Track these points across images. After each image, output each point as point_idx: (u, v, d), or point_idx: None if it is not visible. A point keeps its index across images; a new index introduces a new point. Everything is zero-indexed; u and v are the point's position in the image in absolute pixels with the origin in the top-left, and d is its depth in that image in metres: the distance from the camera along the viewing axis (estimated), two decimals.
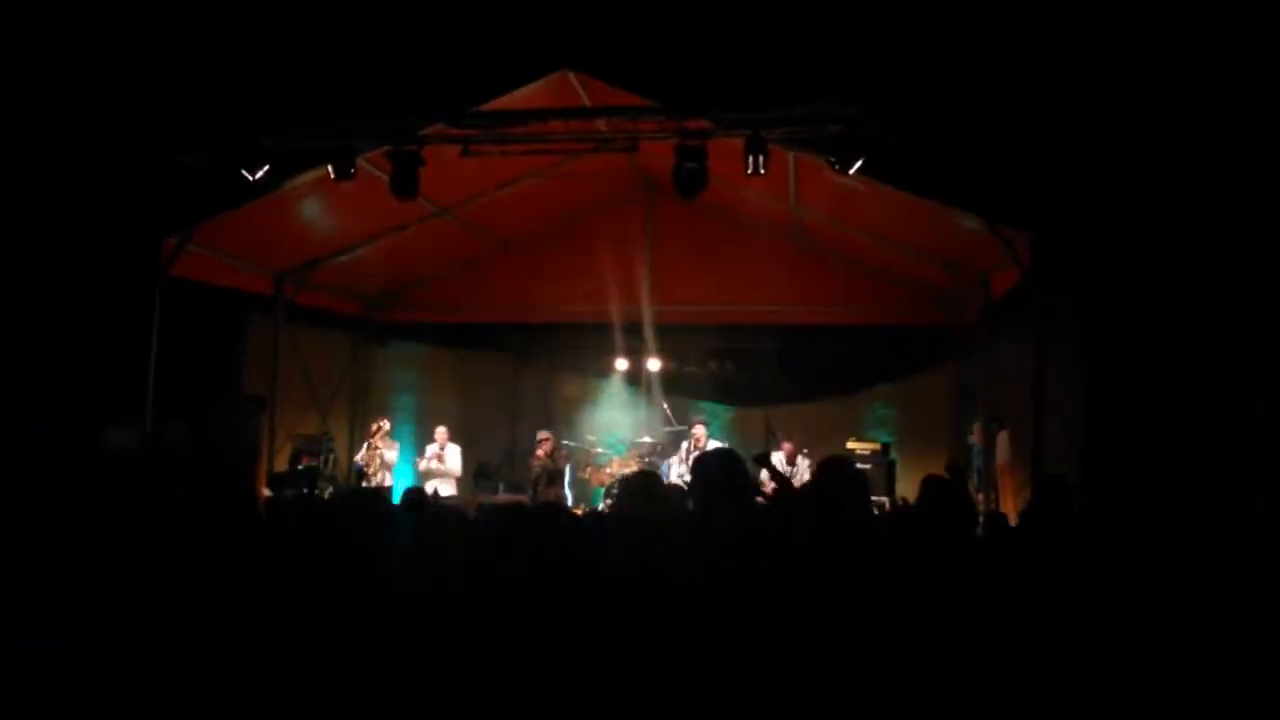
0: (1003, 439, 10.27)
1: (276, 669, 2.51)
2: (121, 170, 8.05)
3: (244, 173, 8.11)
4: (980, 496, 10.98)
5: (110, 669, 2.53)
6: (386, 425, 11.24)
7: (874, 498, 9.56)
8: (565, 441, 12.43)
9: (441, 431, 11.19)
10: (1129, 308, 7.11)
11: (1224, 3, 6.49)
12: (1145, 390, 6.85)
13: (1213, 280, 6.57)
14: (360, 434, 12.32)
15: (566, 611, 2.50)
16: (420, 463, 11.22)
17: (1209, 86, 6.54)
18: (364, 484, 10.84)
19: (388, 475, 11.08)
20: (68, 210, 8.09)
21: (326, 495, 9.61)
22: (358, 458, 11.36)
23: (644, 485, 3.57)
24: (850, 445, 11.85)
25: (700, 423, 11.36)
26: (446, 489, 10.99)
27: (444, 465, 11.09)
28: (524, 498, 11.27)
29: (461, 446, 11.48)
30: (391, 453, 11.10)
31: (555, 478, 11.48)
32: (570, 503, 11.68)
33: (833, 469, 3.45)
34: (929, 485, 3.43)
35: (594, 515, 3.78)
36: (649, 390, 13.16)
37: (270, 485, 10.68)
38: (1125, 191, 7.02)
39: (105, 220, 8.29)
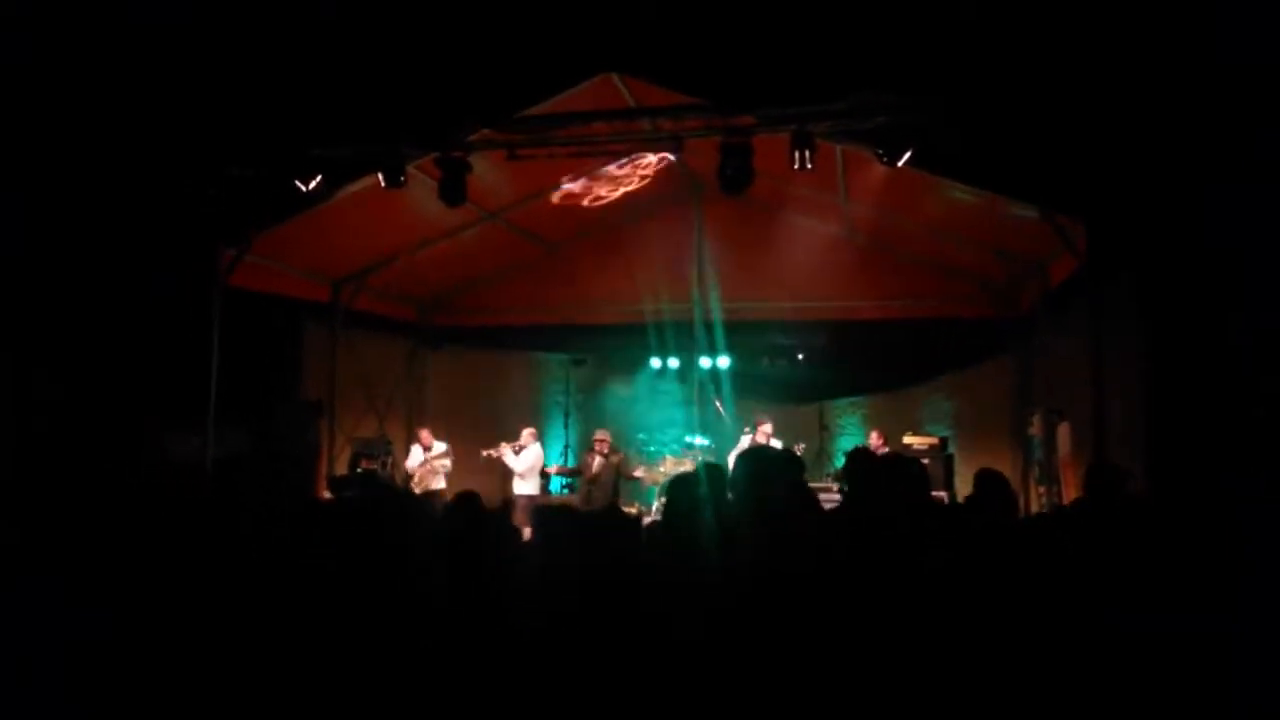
0: (1064, 431, 10.00)
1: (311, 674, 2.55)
2: (178, 184, 8.27)
3: (297, 183, 8.27)
4: (1041, 490, 10.74)
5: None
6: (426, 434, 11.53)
7: (934, 492, 9.41)
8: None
9: (527, 432, 11.42)
10: (1189, 291, 6.89)
11: None
12: (1209, 374, 6.63)
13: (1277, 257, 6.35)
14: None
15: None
16: (513, 460, 11.38)
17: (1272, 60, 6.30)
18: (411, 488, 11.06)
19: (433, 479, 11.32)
20: (128, 225, 8.34)
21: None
22: (406, 463, 11.55)
23: (684, 486, 3.52)
24: (908, 440, 11.69)
25: (766, 418, 11.33)
26: (527, 487, 11.20)
27: (523, 461, 11.30)
28: (574, 499, 11.39)
29: (515, 447, 11.59)
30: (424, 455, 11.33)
31: (608, 476, 11.52)
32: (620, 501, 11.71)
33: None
34: (980, 478, 3.38)
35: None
36: (701, 389, 13.12)
37: (330, 488, 10.89)
38: (1182, 172, 6.81)
39: (165, 233, 8.52)
